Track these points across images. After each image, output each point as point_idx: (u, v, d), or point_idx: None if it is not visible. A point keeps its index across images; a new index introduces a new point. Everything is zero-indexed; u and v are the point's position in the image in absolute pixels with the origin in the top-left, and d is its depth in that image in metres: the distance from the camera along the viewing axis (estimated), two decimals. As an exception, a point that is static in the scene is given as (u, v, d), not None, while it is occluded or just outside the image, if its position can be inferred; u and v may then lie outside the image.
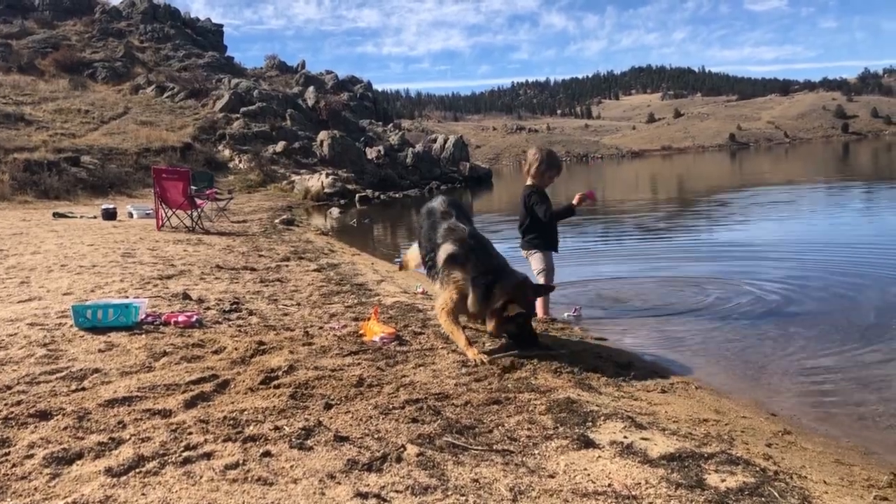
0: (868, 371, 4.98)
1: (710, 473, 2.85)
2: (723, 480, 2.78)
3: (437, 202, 5.50)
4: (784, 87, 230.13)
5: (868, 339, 5.72)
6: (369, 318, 5.47)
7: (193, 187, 15.71)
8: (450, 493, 2.59)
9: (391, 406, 3.54)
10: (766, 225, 15.27)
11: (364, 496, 2.54)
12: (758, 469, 2.94)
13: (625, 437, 3.22)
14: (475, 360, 4.53)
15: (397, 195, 35.03)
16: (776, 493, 2.68)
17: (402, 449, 2.97)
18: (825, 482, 2.99)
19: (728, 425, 3.72)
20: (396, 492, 2.58)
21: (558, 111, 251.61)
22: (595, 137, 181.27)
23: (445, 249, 4.92)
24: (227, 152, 36.99)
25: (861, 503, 2.82)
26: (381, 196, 33.57)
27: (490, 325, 4.87)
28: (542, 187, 6.53)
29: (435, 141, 50.71)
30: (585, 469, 2.86)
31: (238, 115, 40.71)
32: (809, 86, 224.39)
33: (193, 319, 5.53)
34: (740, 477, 2.83)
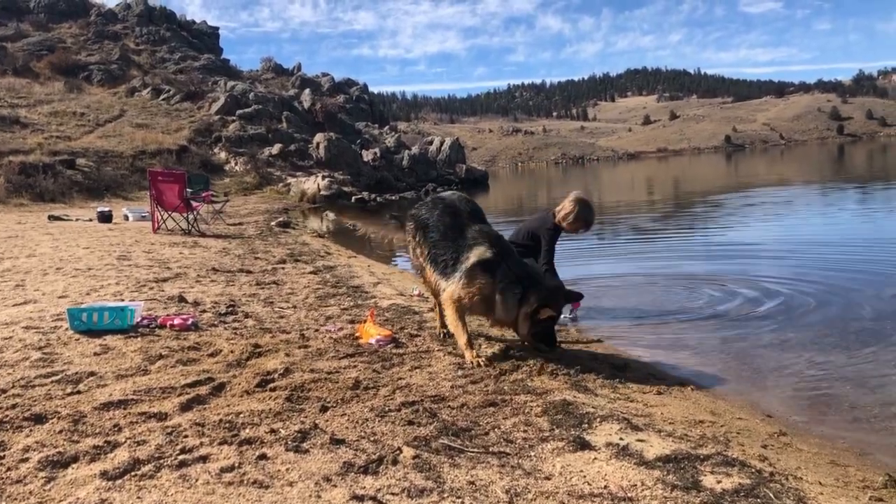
0: (863, 372, 4.99)
1: (705, 475, 2.86)
2: (719, 482, 2.79)
3: (456, 198, 5.35)
4: (779, 89, 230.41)
5: (863, 340, 5.74)
6: (365, 321, 5.47)
7: (189, 190, 15.69)
8: (446, 495, 2.59)
9: (387, 408, 3.54)
10: (762, 225, 15.31)
11: (360, 499, 2.54)
12: (753, 470, 2.95)
13: (621, 438, 3.23)
14: (472, 363, 4.53)
15: (393, 197, 35.00)
16: (772, 495, 2.69)
17: (398, 451, 2.97)
18: (820, 483, 3.00)
19: (724, 427, 3.73)
20: (392, 494, 2.58)
21: (554, 113, 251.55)
22: (591, 139, 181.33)
23: (478, 253, 4.81)
24: (222, 155, 36.94)
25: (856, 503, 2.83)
26: (378, 198, 33.55)
27: (522, 329, 4.86)
28: (565, 231, 6.55)
29: (431, 143, 50.68)
30: (581, 471, 2.86)
31: (234, 118, 40.65)
32: (804, 87, 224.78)
33: (189, 322, 5.52)
34: (736, 478, 2.83)
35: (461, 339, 4.77)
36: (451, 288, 4.85)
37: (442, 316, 5.48)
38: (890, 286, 7.69)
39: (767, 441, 3.61)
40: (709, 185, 34.38)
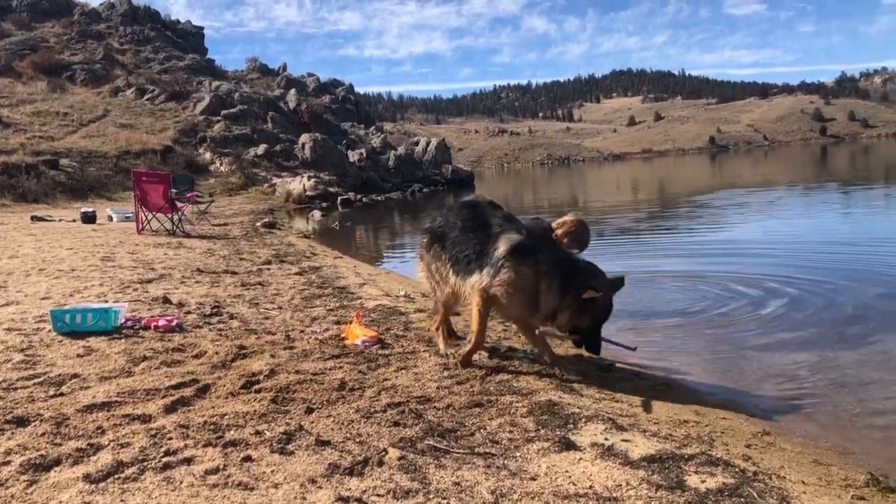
0: (846, 372, 5.03)
1: (690, 474, 2.87)
2: (703, 481, 2.81)
3: (474, 196, 5.09)
4: (763, 91, 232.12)
5: (846, 340, 5.79)
6: (351, 322, 5.47)
7: (174, 190, 15.62)
8: (431, 496, 2.59)
9: (373, 410, 3.54)
10: (747, 225, 15.40)
11: (345, 500, 2.53)
12: (737, 470, 2.97)
13: (606, 438, 3.24)
14: (457, 361, 4.51)
15: (379, 198, 34.97)
16: (755, 494, 2.71)
17: (383, 453, 2.96)
18: (803, 482, 3.02)
19: (708, 426, 3.75)
20: (378, 496, 2.58)
21: (540, 114, 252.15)
22: (576, 140, 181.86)
23: (508, 239, 4.42)
24: (207, 155, 36.76)
25: (839, 503, 2.85)
26: (364, 199, 33.49)
27: (562, 319, 4.46)
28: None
29: (417, 144, 50.63)
30: (567, 471, 2.87)
31: (219, 118, 40.48)
32: (788, 89, 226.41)
33: (174, 324, 5.49)
34: (720, 478, 2.85)
35: (477, 339, 4.50)
36: (475, 279, 4.46)
37: (444, 330, 5.10)
38: (872, 286, 7.76)
39: (751, 440, 3.64)
40: (694, 186, 34.56)
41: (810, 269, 8.84)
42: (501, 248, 4.40)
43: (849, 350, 5.52)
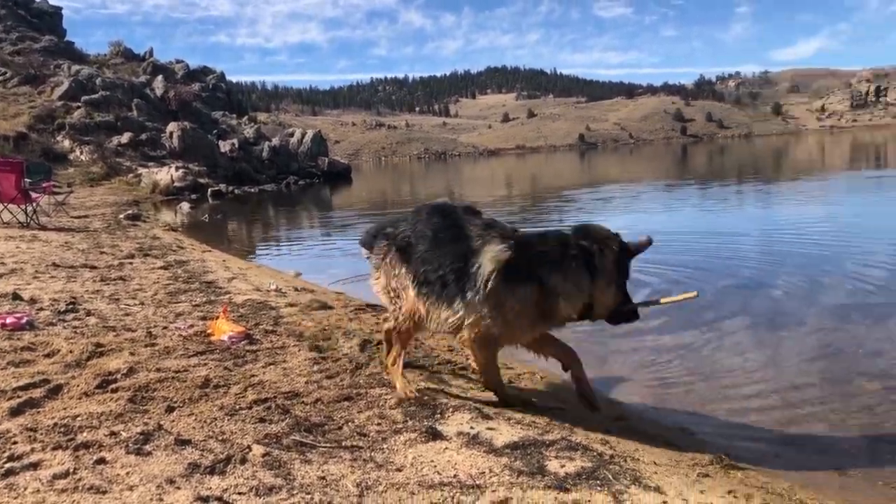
0: (701, 359, 5.36)
1: (550, 460, 2.98)
2: (562, 466, 2.91)
3: (441, 203, 4.30)
4: (629, 91, 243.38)
5: (704, 328, 6.15)
6: (218, 317, 5.31)
7: (28, 180, 14.67)
8: (295, 492, 2.56)
9: (238, 407, 3.46)
10: (614, 218, 16.04)
11: (205, 500, 2.46)
12: (595, 454, 3.10)
13: (471, 427, 3.31)
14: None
15: (253, 190, 34.14)
16: (610, 476, 2.83)
17: (247, 450, 2.90)
18: (655, 463, 3.19)
19: (570, 413, 3.89)
20: (240, 493, 2.53)
21: (417, 108, 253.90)
22: (453, 135, 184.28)
23: (492, 256, 3.61)
24: (66, 143, 34.70)
25: (686, 480, 3.03)
26: (236, 191, 32.58)
27: (608, 300, 3.76)
28: None
29: (292, 135, 49.68)
30: (432, 461, 2.91)
31: (79, 104, 38.28)
32: (652, 90, 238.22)
33: (23, 321, 5.16)
34: (579, 462, 2.97)
35: (500, 391, 3.94)
36: (473, 321, 3.66)
37: (400, 364, 4.05)
38: (733, 276, 8.30)
39: (610, 425, 3.81)
40: (564, 182, 35.70)
41: (673, 259, 9.30)
42: (487, 268, 3.61)
43: (705, 339, 5.87)
